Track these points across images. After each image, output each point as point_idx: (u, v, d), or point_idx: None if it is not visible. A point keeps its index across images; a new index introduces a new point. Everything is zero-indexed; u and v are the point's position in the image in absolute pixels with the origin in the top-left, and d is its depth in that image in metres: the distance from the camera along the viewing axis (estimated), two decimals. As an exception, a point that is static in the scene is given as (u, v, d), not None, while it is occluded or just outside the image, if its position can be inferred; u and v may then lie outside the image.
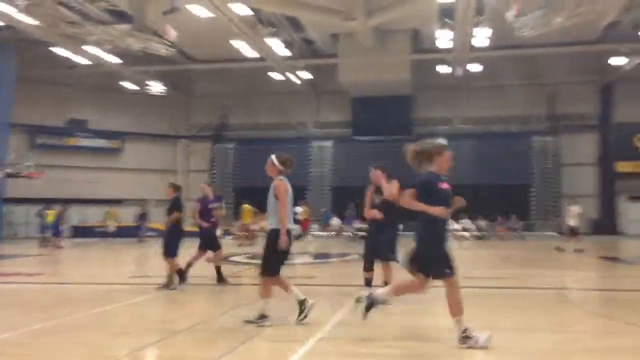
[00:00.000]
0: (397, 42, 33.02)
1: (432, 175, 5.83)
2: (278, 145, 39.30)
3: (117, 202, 34.23)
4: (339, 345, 5.83)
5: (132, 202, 34.45)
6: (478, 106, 38.30)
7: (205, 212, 10.62)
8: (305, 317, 6.74)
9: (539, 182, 37.34)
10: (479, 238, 29.96)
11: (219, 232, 11.97)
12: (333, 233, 32.36)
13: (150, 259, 19.30)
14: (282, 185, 6.90)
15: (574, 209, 20.24)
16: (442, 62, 34.21)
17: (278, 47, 29.60)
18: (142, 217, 29.06)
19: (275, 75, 35.30)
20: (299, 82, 36.25)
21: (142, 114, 38.27)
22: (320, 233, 33.61)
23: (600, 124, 37.56)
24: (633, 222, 35.43)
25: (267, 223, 6.95)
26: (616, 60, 32.92)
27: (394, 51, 32.75)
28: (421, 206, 5.66)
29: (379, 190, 8.34)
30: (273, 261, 6.85)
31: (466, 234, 30.54)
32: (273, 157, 7.16)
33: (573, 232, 19.82)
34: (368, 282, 8.42)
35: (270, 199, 6.93)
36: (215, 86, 39.10)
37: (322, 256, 19.53)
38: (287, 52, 30.92)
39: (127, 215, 32.43)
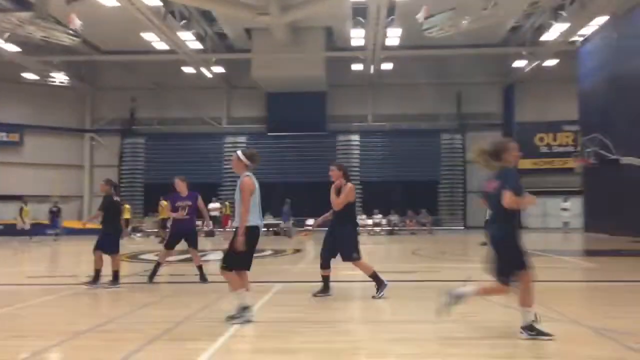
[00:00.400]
0: (311, 39, 33.12)
1: (513, 169, 5.88)
2: (190, 140, 38.56)
3: (18, 197, 32.28)
4: (250, 342, 5.73)
5: (36, 198, 32.61)
6: (390, 104, 39.17)
7: (174, 209, 10.44)
8: (239, 323, 6.47)
9: (447, 179, 38.70)
10: (391, 233, 30.65)
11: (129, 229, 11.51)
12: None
13: (64, 257, 18.36)
14: (247, 181, 6.74)
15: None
16: (356, 60, 34.71)
17: (190, 40, 28.95)
18: (55, 213, 27.62)
19: (187, 69, 34.54)
20: (211, 76, 35.65)
21: (44, 106, 36.37)
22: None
23: (503, 123, 39.40)
24: (534, 216, 37.36)
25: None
26: (518, 63, 34.65)
27: (309, 48, 32.84)
28: (528, 199, 5.77)
29: (337, 189, 8.55)
30: (233, 257, 6.63)
31: (377, 229, 31.19)
32: (239, 152, 7.01)
33: None
34: (325, 280, 8.42)
35: (237, 195, 6.76)
36: (124, 78, 37.74)
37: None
38: (199, 46, 30.31)
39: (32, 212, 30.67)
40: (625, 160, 23.17)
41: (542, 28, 30.32)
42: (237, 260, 6.64)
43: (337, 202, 8.43)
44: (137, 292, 9.47)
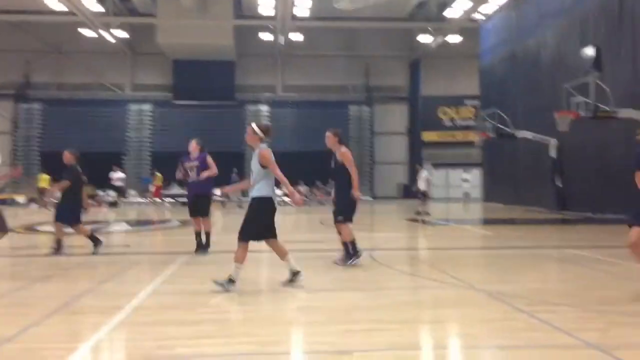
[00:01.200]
0: (219, 6, 32.34)
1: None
2: (91, 107, 36.78)
3: None
4: (153, 314, 5.60)
5: None
6: (299, 75, 39.13)
7: (185, 171, 10.15)
8: (219, 289, 6.56)
9: (355, 150, 39.33)
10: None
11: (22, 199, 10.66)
12: (155, 199, 31.25)
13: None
14: (268, 152, 6.78)
15: (424, 174, 21.10)
16: (265, 29, 34.26)
17: (89, 1, 27.43)
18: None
19: (87, 32, 32.78)
20: (114, 41, 34.06)
21: None
22: (140, 199, 32.34)
23: (409, 97, 40.41)
24: (436, 186, 38.75)
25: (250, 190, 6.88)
26: (424, 38, 35.48)
27: (216, 15, 32.07)
28: None
29: (332, 154, 8.80)
30: (251, 228, 6.70)
31: (287, 199, 31.26)
32: (254, 125, 7.01)
33: (424, 196, 20.69)
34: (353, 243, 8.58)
35: (255, 167, 6.78)
36: (16, 40, 35.31)
37: (141, 223, 18.75)
38: (100, 8, 28.80)
39: None
40: (521, 134, 24.46)
41: (447, 4, 31.16)
42: (252, 232, 6.72)
43: (354, 173, 8.54)
44: (34, 265, 9.00)
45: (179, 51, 35.21)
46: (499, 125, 25.38)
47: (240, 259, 6.68)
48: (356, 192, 8.44)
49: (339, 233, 8.63)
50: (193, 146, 10.40)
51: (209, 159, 10.19)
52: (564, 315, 5.39)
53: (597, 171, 20.24)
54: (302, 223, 19.11)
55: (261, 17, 32.57)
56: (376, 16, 33.41)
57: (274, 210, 6.84)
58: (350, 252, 8.48)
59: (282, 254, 6.96)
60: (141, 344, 4.59)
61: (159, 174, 29.61)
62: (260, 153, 6.78)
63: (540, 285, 7.20)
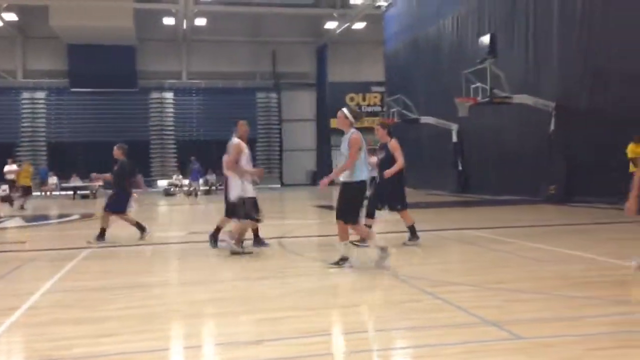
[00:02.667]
0: (118, -12, 31.03)
1: None
2: (-21, 95, 34.35)
3: None
4: (49, 313, 5.29)
5: None
6: (205, 61, 38.33)
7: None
8: (336, 268, 7.03)
9: (264, 137, 39.13)
10: (208, 192, 30.36)
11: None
12: (52, 192, 29.77)
13: None
14: (357, 137, 7.08)
15: (372, 160, 21.50)
16: (167, 13, 33.25)
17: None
18: None
19: (-28, 14, 30.54)
20: (1, 24, 31.86)
21: None
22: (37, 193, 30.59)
23: (317, 83, 40.62)
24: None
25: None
26: (329, 24, 35.74)
27: (115, -3, 30.74)
28: None
29: (383, 146, 9.09)
30: (350, 211, 7.07)
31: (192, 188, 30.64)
32: (345, 110, 7.28)
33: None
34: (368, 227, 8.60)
35: (345, 150, 7.07)
36: None
37: (38, 218, 17.73)
38: (-15, -12, 26.86)
39: None
40: (424, 119, 25.24)
41: (352, -9, 31.51)
42: (352, 214, 7.08)
43: (400, 161, 8.87)
44: None
45: (74, 35, 33.46)
46: (403, 110, 26.07)
47: (344, 237, 7.17)
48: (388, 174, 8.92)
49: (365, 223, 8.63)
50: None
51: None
52: (465, 294, 5.59)
53: (494, 154, 21.25)
54: (211, 212, 18.79)
55: (163, 1, 31.55)
56: (282, 2, 33.26)
57: (364, 191, 7.26)
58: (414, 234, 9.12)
59: (343, 237, 7.21)
60: (37, 346, 4.33)
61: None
62: (352, 137, 7.06)
63: (443, 266, 7.45)
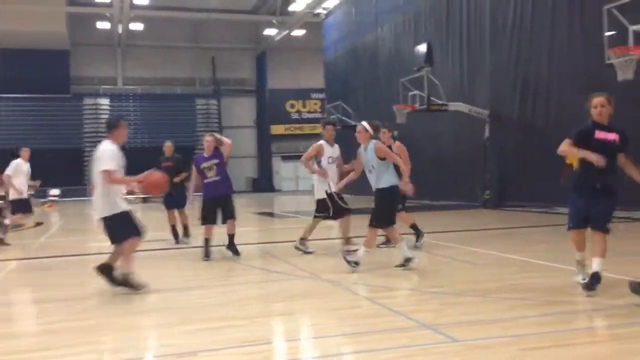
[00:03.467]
0: (50, -9, 30.03)
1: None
2: None
3: None
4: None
5: None
6: (142, 67, 37.59)
7: (200, 172, 9.11)
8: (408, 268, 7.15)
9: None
10: (145, 200, 29.65)
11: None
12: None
13: None
14: (382, 146, 7.55)
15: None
16: (102, 17, 32.43)
17: None
18: None
19: None
20: None
21: None
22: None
23: (257, 90, 40.49)
24: (286, 179, 39.28)
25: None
26: (269, 31, 35.72)
27: (47, 0, 29.72)
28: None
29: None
30: (382, 215, 7.36)
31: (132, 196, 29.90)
32: (365, 123, 7.59)
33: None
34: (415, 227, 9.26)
35: (375, 161, 7.36)
36: None
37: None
38: None
39: None
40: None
41: (291, -2, 31.58)
42: (387, 218, 7.37)
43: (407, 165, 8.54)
44: None
45: (4, 39, 32.14)
46: (343, 117, 26.28)
47: (371, 244, 7.45)
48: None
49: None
50: (210, 143, 9.29)
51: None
52: (403, 299, 5.66)
53: (432, 161, 21.69)
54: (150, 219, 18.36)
55: (97, 4, 30.73)
56: (221, 7, 32.98)
57: (398, 197, 7.70)
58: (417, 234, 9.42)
59: (396, 240, 7.47)
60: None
61: None
62: (377, 147, 7.41)
63: (382, 271, 7.51)
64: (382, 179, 7.42)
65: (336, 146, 9.35)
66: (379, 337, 4.42)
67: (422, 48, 19.08)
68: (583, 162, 5.76)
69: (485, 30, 18.73)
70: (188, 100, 38.33)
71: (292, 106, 40.73)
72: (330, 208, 9.00)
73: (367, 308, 5.37)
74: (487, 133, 18.23)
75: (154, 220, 18.38)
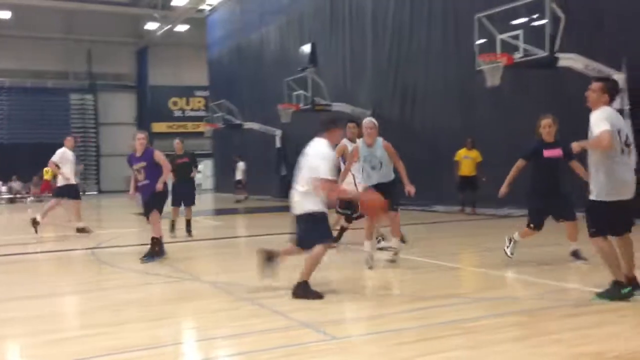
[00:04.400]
0: None
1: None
2: None
3: None
4: None
5: None
6: (9, 58, 34.91)
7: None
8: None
9: (79, 141, 36.62)
10: (12, 201, 27.64)
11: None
12: None
13: None
14: (388, 143, 7.63)
15: (241, 165, 23.12)
16: (-38, 2, 29.83)
17: None
18: None
19: None
20: None
21: None
22: None
23: (137, 86, 39.00)
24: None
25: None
26: (150, 25, 34.52)
27: None
28: None
29: None
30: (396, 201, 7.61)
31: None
32: (374, 120, 7.73)
33: (241, 185, 23.14)
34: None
35: (384, 157, 7.48)
36: None
37: None
38: None
39: None
40: (248, 125, 25.36)
41: (174, -7, 30.72)
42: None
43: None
44: None
45: None
46: (227, 116, 25.96)
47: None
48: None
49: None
50: (139, 143, 8.42)
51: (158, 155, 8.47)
52: (283, 299, 5.62)
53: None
54: (14, 222, 17.11)
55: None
56: (98, -1, 31.46)
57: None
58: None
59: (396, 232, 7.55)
60: None
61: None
62: (385, 144, 7.54)
63: (263, 271, 7.45)
64: (389, 174, 7.65)
65: (356, 143, 8.61)
66: (258, 338, 4.36)
67: (306, 48, 19.29)
68: (536, 171, 6.90)
69: (367, 33, 19.25)
70: (61, 94, 36.13)
71: (175, 104, 39.65)
72: (356, 206, 8.45)
73: (246, 309, 5.29)
74: (368, 133, 18.71)
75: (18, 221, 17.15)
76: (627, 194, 4.97)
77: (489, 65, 11.67)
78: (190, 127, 38.87)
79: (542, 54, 11.05)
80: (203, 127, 32.69)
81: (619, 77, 11.41)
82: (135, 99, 38.98)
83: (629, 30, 11.68)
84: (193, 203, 11.23)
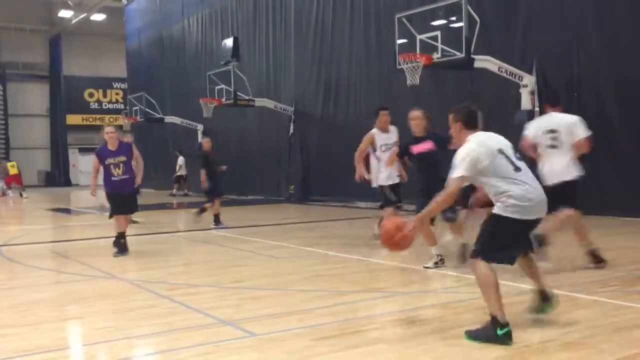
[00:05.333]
0: None
1: None
2: None
3: None
4: None
5: None
6: None
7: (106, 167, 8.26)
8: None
9: None
10: None
11: None
12: None
13: None
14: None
15: (181, 160, 22.86)
16: None
17: None
18: None
19: None
20: None
21: None
22: None
23: (50, 76, 37.27)
24: (85, 173, 36.63)
25: None
26: (64, 13, 33.06)
27: None
28: None
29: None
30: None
31: None
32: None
33: (181, 180, 23.10)
34: None
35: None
36: None
37: None
38: None
39: None
40: (169, 119, 24.79)
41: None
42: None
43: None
44: None
45: None
46: (147, 109, 25.26)
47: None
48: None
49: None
50: (113, 137, 8.31)
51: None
52: (203, 296, 5.54)
53: (239, 155, 21.78)
54: None
55: None
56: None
57: None
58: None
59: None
60: None
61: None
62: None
63: (182, 268, 7.33)
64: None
65: (392, 131, 8.21)
66: (175, 336, 4.27)
67: (229, 42, 19.04)
68: (417, 171, 6.84)
69: (290, 29, 19.23)
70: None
71: (92, 95, 38.21)
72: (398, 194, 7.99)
73: (163, 307, 5.17)
74: (292, 129, 18.74)
75: None
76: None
77: (409, 64, 11.92)
78: (107, 120, 37.59)
79: (459, 55, 11.39)
80: (121, 120, 31.65)
81: (530, 78, 12.00)
82: (48, 89, 37.23)
83: (539, 33, 12.28)
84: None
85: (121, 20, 31.83)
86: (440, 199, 4.17)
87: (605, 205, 10.73)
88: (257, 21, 20.85)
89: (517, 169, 4.05)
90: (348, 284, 6.09)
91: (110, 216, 8.41)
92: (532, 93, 12.08)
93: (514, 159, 4.08)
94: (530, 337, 4.00)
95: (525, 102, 12.13)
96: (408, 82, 12.01)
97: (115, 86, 38.16)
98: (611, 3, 11.26)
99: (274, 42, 20.11)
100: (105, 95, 38.50)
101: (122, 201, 8.28)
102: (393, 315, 4.80)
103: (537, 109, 12.02)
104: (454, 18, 12.12)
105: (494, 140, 4.19)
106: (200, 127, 23.78)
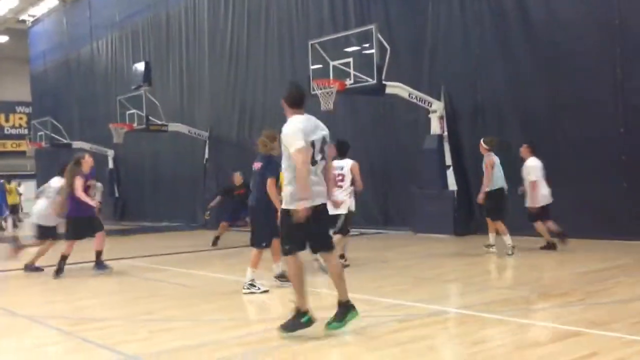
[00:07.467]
0: None
1: None
2: None
3: None
4: None
5: None
6: None
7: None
8: None
9: None
10: None
11: None
12: None
13: None
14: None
15: (99, 186, 21.29)
16: None
17: None
18: None
19: None
20: None
21: None
22: None
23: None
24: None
25: None
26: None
27: None
28: None
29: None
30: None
31: None
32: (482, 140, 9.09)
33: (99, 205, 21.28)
34: None
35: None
36: None
37: None
38: None
39: None
40: (77, 144, 23.81)
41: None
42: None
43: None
44: None
45: None
46: (53, 134, 24.16)
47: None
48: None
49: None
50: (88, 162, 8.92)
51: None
52: (110, 330, 5.27)
53: (152, 181, 21.20)
54: None
55: None
56: None
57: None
58: None
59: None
60: None
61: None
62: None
63: (89, 302, 6.96)
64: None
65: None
66: (77, 376, 4.02)
67: (140, 66, 18.64)
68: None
69: (204, 52, 19.06)
70: None
71: (-8, 120, 36.21)
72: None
73: (66, 344, 4.87)
74: (207, 154, 18.44)
75: None
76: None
77: (323, 90, 12.05)
78: (10, 145, 35.69)
79: (371, 81, 11.64)
80: (25, 146, 30.07)
81: (439, 104, 12.44)
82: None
83: (445, 60, 12.80)
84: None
85: (25, 42, 30.48)
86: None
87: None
88: (170, 44, 20.54)
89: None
90: (262, 311, 5.98)
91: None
92: (441, 118, 12.53)
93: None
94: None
95: (435, 127, 12.56)
96: (322, 107, 12.12)
97: (18, 110, 36.37)
98: (509, 31, 11.91)
99: (187, 66, 19.86)
100: (7, 120, 36.60)
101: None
102: (302, 343, 4.73)
103: (445, 133, 12.47)
104: (366, 45, 12.39)
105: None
106: (110, 153, 22.99)
